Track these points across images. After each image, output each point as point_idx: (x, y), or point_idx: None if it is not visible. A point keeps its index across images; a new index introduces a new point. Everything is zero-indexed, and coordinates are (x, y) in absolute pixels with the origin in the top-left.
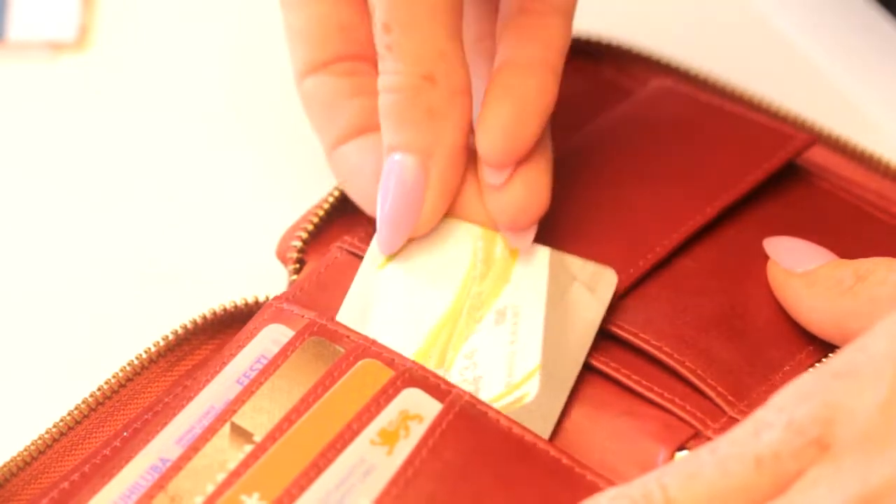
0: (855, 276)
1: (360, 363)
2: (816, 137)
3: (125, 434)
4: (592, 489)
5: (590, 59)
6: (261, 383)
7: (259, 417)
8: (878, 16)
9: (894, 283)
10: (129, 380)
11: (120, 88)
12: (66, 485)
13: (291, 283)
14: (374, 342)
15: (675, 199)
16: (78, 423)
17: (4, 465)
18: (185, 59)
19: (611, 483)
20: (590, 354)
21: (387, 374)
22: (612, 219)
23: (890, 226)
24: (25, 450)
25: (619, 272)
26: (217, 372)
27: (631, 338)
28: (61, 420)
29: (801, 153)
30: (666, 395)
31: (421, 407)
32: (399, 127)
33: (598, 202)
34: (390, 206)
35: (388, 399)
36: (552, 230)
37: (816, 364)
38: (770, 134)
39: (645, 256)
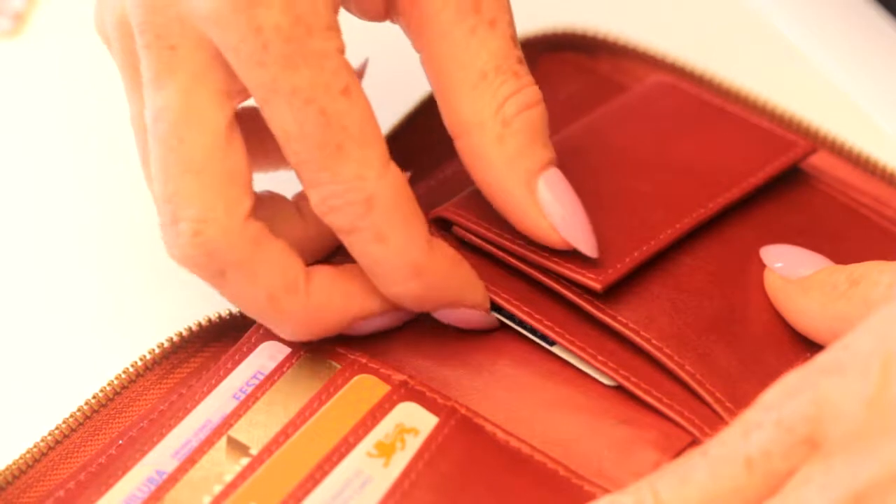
0: (849, 281)
1: (356, 378)
2: (816, 145)
3: (120, 442)
4: (590, 499)
5: (585, 55)
6: (257, 398)
7: (255, 431)
8: (878, 16)
9: (886, 283)
10: (123, 388)
11: (78, 83)
12: (61, 493)
13: None
14: (370, 358)
15: (675, 192)
16: (73, 431)
17: (0, 473)
18: None
19: (608, 493)
20: (590, 353)
21: (383, 388)
22: (610, 208)
23: (886, 229)
24: (21, 458)
25: (618, 259)
26: (213, 386)
27: (632, 335)
28: (56, 428)
29: (801, 160)
30: (664, 400)
31: (417, 420)
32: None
33: (595, 192)
34: (579, 211)
35: (384, 413)
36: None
37: None
38: (770, 139)
39: (648, 243)
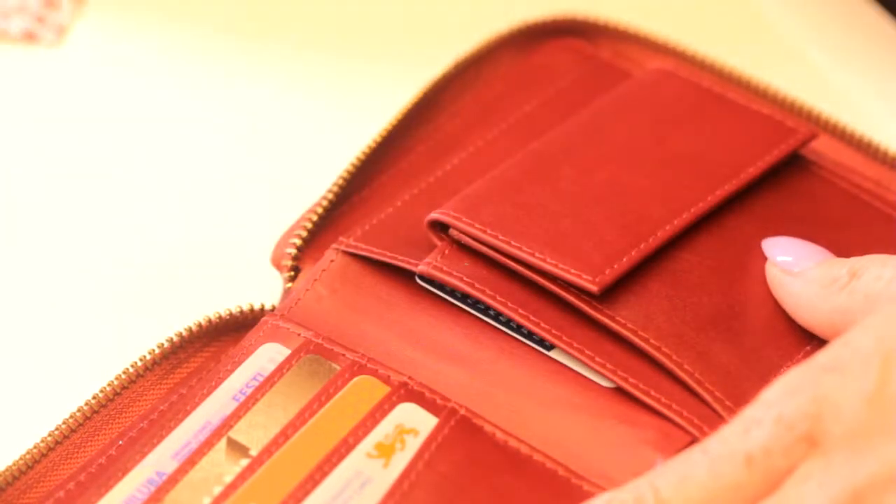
0: (850, 274)
1: (356, 379)
2: (817, 129)
3: (121, 443)
4: (589, 499)
5: (586, 40)
6: (257, 399)
7: (255, 432)
8: (878, 16)
9: (888, 279)
10: (124, 388)
11: (107, 91)
12: (61, 494)
13: (286, 291)
14: (370, 359)
15: (674, 185)
16: (73, 431)
17: (0, 474)
18: (174, 62)
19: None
20: (588, 354)
21: (383, 389)
22: (608, 203)
23: (888, 216)
24: (21, 458)
25: (615, 259)
26: (213, 388)
27: (630, 335)
28: (57, 429)
29: (802, 147)
30: (664, 399)
31: (417, 421)
32: None
33: (593, 187)
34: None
35: (384, 413)
36: (549, 214)
37: None
38: (771, 126)
39: (645, 240)
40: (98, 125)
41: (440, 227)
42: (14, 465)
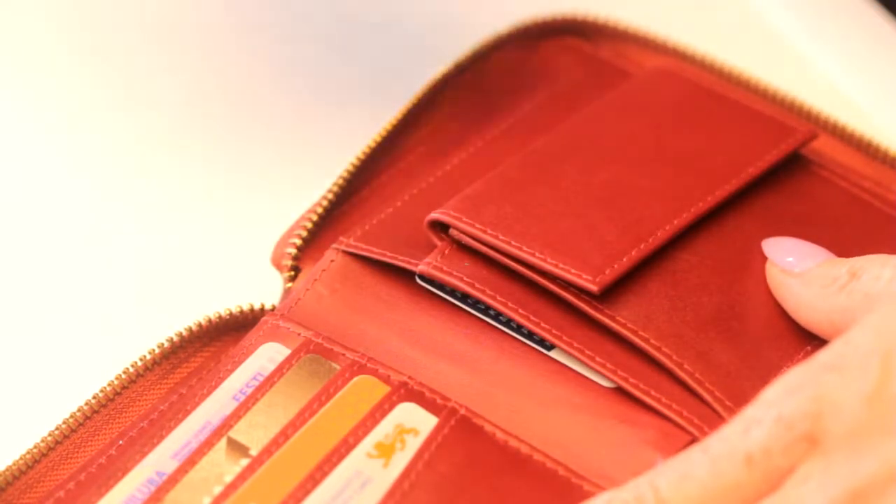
0: (849, 274)
1: (356, 379)
2: (818, 129)
3: (120, 443)
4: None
5: (586, 40)
6: (257, 399)
7: (255, 432)
8: (879, 16)
9: (888, 278)
10: (124, 388)
11: (110, 88)
12: (61, 493)
13: (286, 291)
14: (370, 359)
15: (674, 185)
16: (73, 431)
17: (0, 474)
18: (175, 59)
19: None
20: (588, 354)
21: (383, 389)
22: (608, 203)
23: (887, 214)
24: (21, 458)
25: (615, 259)
26: (213, 388)
27: (630, 335)
28: (57, 429)
29: (803, 147)
30: (664, 399)
31: (417, 421)
32: None
33: (593, 186)
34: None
35: (384, 413)
36: (550, 214)
37: None
38: (771, 126)
39: (645, 240)
40: (84, 118)
41: (440, 227)
42: (14, 465)
